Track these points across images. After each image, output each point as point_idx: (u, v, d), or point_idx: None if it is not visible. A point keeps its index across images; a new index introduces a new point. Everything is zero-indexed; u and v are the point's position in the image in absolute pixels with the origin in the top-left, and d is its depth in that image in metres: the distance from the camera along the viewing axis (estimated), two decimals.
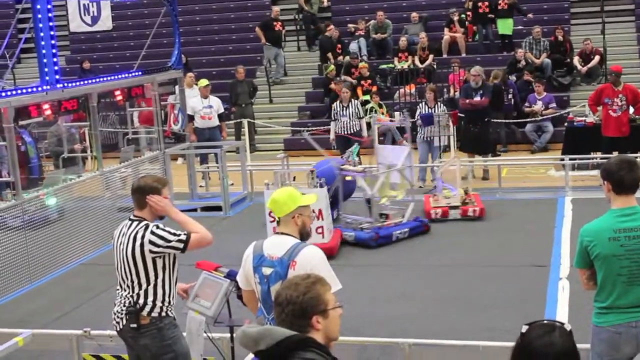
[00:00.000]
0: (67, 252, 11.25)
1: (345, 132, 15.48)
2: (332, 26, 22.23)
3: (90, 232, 11.73)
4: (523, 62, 19.79)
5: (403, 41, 21.27)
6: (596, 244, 5.11)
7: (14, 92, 10.59)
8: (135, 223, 5.75)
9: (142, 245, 5.64)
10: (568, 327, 3.24)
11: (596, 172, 14.04)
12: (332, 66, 21.12)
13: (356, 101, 16.27)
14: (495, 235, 11.65)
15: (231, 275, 5.77)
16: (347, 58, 21.31)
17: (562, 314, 8.35)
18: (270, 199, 5.24)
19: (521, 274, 9.86)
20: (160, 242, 5.63)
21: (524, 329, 3.25)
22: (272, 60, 22.47)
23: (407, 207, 12.17)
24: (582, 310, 7.42)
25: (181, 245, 5.68)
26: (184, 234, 5.69)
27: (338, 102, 15.85)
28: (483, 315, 8.60)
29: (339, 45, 22.04)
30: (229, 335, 6.10)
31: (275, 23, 22.32)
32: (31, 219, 10.77)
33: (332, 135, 15.79)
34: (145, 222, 5.72)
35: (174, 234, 5.67)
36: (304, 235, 5.17)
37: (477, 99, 15.28)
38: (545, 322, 3.26)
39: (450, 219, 12.52)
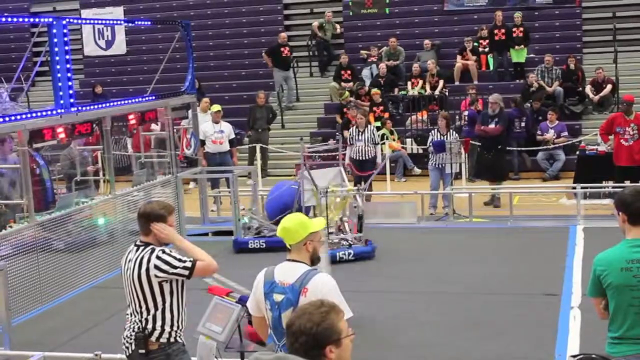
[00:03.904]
0: (79, 275, 11.27)
1: (360, 157, 15.48)
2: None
3: (102, 255, 11.75)
4: (536, 85, 19.86)
5: (416, 68, 21.37)
6: (608, 274, 5.10)
7: (28, 116, 10.66)
8: (141, 248, 5.73)
9: (147, 270, 5.61)
10: None
11: (608, 201, 14.04)
12: (347, 92, 21.20)
13: (372, 127, 16.28)
14: (507, 264, 11.61)
15: (243, 301, 5.76)
16: (357, 84, 21.43)
17: (573, 344, 8.32)
18: (281, 227, 5.16)
19: (532, 302, 9.82)
20: (165, 267, 5.61)
21: None
22: (284, 85, 22.57)
23: None
24: (594, 340, 7.38)
25: (186, 272, 5.64)
26: (190, 261, 5.65)
27: (354, 127, 15.86)
28: (494, 343, 8.57)
29: (349, 71, 22.16)
30: None
31: (282, 48, 22.43)
32: (75, 240, 11.23)
33: (347, 160, 15.81)
34: (151, 247, 5.69)
35: (180, 260, 5.64)
36: (314, 261, 5.18)
37: (492, 126, 15.32)
38: (593, 356, 3.26)
39: None
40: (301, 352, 3.37)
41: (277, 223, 12.77)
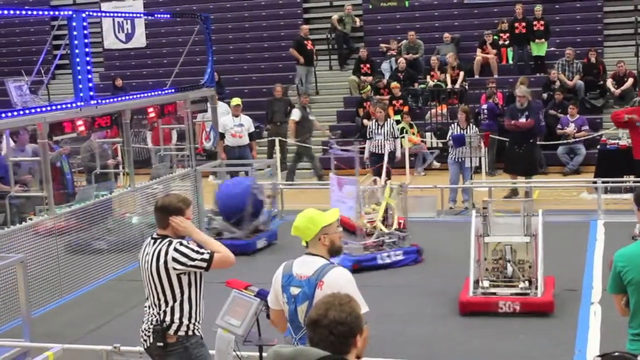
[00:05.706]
0: (98, 267, 11.32)
1: (380, 151, 15.42)
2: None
3: (121, 248, 11.79)
4: (558, 83, 19.76)
5: (434, 61, 21.30)
6: (629, 270, 5.06)
7: (48, 108, 10.70)
8: (158, 241, 5.73)
9: (165, 262, 5.62)
10: None
11: (629, 196, 13.88)
12: (369, 86, 21.14)
13: (392, 120, 16.22)
14: None
15: (261, 294, 5.75)
16: (376, 78, 21.38)
17: (593, 340, 8.27)
18: (293, 227, 5.16)
19: None
20: (183, 259, 5.62)
21: None
22: (303, 79, 22.53)
23: None
24: (615, 336, 7.33)
25: (204, 265, 5.66)
26: (207, 253, 5.66)
27: (374, 120, 15.81)
28: (513, 340, 8.53)
29: (369, 65, 22.12)
30: (258, 354, 6.09)
31: (306, 42, 22.40)
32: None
33: (366, 154, 15.74)
34: (168, 239, 5.70)
35: (198, 252, 5.65)
36: (333, 253, 5.15)
37: (523, 120, 15.15)
38: (617, 354, 3.23)
39: None
40: (337, 343, 3.40)
41: (235, 223, 12.66)
